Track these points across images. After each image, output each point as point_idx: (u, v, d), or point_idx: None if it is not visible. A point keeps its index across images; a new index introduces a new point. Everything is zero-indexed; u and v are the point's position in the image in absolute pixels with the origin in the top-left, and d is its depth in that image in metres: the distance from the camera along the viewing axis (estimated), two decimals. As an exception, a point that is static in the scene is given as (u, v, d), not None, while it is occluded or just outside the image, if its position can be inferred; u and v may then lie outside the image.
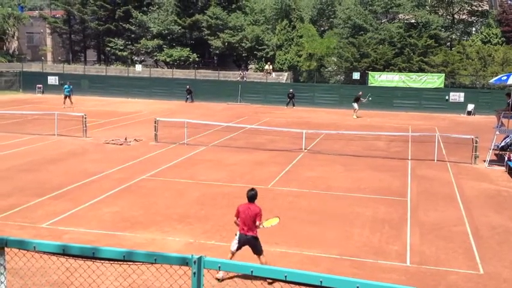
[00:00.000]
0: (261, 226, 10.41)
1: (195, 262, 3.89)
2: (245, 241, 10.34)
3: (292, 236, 12.97)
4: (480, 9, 51.36)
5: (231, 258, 10.03)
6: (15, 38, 65.26)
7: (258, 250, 10.38)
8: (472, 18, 52.58)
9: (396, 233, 13.35)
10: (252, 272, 3.79)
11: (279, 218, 10.88)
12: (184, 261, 3.96)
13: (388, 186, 18.05)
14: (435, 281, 10.60)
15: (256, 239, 10.35)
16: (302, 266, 10.71)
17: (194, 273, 3.92)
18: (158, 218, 14.06)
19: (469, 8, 51.49)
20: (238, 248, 10.41)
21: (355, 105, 38.61)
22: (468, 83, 45.89)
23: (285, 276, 3.67)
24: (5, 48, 63.76)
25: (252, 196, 10.51)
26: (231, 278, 9.86)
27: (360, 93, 39.31)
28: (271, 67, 51.03)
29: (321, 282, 3.55)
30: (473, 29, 53.07)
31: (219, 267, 3.92)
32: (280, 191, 17.11)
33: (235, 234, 10.46)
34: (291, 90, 44.69)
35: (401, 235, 13.21)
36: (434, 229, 13.72)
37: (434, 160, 22.46)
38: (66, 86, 40.49)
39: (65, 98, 39.61)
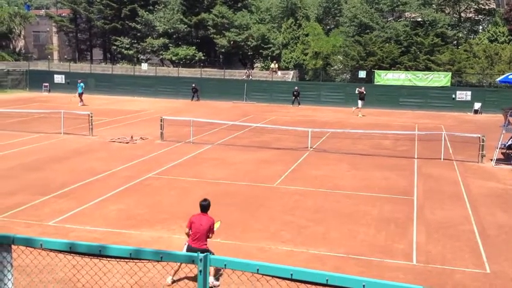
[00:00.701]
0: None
1: (201, 260, 3.89)
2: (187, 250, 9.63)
3: (298, 234, 12.97)
4: (487, 7, 51.15)
5: (177, 270, 9.16)
6: (22, 36, 65.48)
7: None
8: (479, 16, 52.36)
9: (402, 232, 13.32)
10: (257, 270, 3.78)
11: (220, 221, 10.58)
12: (190, 259, 3.96)
13: (394, 185, 18.01)
14: (441, 280, 10.57)
15: (208, 251, 9.30)
16: (308, 265, 10.71)
17: (200, 271, 3.92)
18: (164, 216, 14.08)
19: (475, 7, 51.28)
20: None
21: (360, 102, 38.36)
22: (475, 82, 45.68)
23: (291, 275, 3.66)
24: (11, 46, 63.98)
25: (204, 206, 10.12)
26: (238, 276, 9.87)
27: (363, 88, 39.02)
28: (277, 66, 50.96)
29: (327, 280, 3.54)
30: (480, 27, 52.84)
31: (225, 265, 3.92)
32: (286, 190, 17.10)
33: (184, 244, 9.96)
34: (296, 88, 44.65)
35: (407, 234, 13.19)
36: (440, 228, 13.68)
37: (440, 159, 22.39)
38: (78, 84, 41.00)
39: (80, 96, 40.27)
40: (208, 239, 9.85)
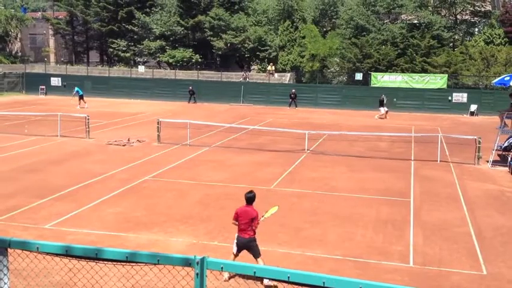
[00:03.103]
0: (262, 218, 10.49)
1: (198, 263, 3.89)
2: (243, 244, 10.35)
3: (295, 236, 12.97)
4: (483, 9, 51.24)
5: (233, 260, 10.07)
6: (18, 39, 65.39)
7: (255, 253, 10.35)
8: (475, 18, 52.47)
9: (399, 234, 13.33)
10: (254, 272, 3.78)
11: (278, 206, 11.06)
12: (187, 262, 3.95)
13: (391, 187, 18.03)
14: (438, 282, 10.59)
15: (254, 240, 10.36)
16: (305, 267, 10.70)
17: (197, 274, 3.91)
18: (161, 219, 14.07)
19: (471, 9, 51.37)
20: (238, 251, 10.41)
21: (382, 109, 38.62)
22: (471, 84, 45.79)
23: (288, 277, 3.66)
24: (8, 49, 63.89)
25: (250, 198, 10.53)
26: (234, 277, 9.87)
27: (383, 96, 39.21)
28: (273, 68, 50.99)
29: (324, 283, 3.54)
30: (476, 29, 52.93)
31: (222, 268, 3.92)
32: (283, 192, 17.11)
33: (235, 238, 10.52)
34: (293, 90, 44.70)
35: (404, 236, 13.20)
36: (437, 230, 13.70)
37: (437, 161, 22.43)
38: (78, 89, 41.24)
39: (80, 99, 40.41)
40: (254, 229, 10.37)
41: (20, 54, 64.91)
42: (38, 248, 4.28)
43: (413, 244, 12.60)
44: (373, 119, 37.45)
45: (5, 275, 4.49)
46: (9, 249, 4.44)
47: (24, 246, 4.39)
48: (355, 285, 3.46)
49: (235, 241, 10.44)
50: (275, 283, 9.72)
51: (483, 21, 51.97)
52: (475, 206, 15.98)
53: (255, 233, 10.38)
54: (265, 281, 9.25)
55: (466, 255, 11.99)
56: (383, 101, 38.89)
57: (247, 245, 10.32)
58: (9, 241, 4.35)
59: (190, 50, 55.28)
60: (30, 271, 8.94)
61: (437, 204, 16.15)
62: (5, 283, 4.53)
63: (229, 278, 10.00)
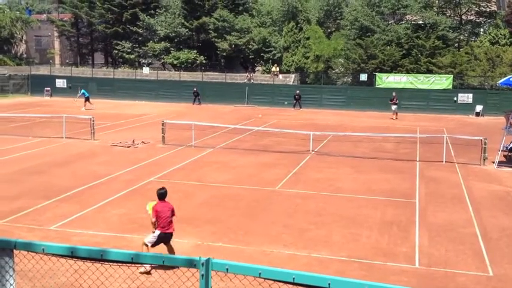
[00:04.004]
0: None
1: (202, 264, 3.88)
2: (164, 238, 10.86)
3: (300, 238, 12.95)
4: (488, 10, 51.09)
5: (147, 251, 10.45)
6: (24, 41, 65.65)
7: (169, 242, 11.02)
8: (480, 19, 52.31)
9: (405, 235, 13.29)
10: (260, 274, 3.77)
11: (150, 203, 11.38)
12: (192, 263, 3.95)
13: (396, 188, 17.99)
14: (444, 283, 10.55)
15: (172, 235, 11.03)
16: (310, 268, 10.69)
17: (202, 275, 3.90)
18: (166, 220, 14.05)
19: (476, 9, 51.23)
20: (156, 245, 10.81)
21: (394, 107, 38.59)
22: (476, 84, 45.66)
23: (293, 279, 3.65)
24: (13, 51, 64.14)
25: (162, 194, 11.05)
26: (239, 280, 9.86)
27: (394, 94, 39.17)
28: (278, 69, 50.99)
29: (329, 284, 3.52)
30: (481, 29, 52.77)
31: (227, 269, 3.91)
32: (288, 193, 17.09)
33: (152, 232, 10.93)
34: (297, 91, 44.69)
35: (409, 237, 13.16)
36: (443, 231, 13.65)
37: (442, 161, 22.37)
38: (84, 90, 41.45)
39: (85, 100, 40.50)
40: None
41: (25, 56, 65.16)
42: (43, 249, 4.28)
43: (418, 245, 12.56)
44: (378, 120, 37.32)
45: (10, 276, 4.50)
46: (15, 251, 4.44)
47: (29, 247, 4.39)
48: (360, 286, 3.45)
49: (156, 236, 10.81)
50: (148, 268, 10.07)
51: (488, 21, 51.82)
52: (481, 207, 15.92)
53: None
54: (141, 269, 9.78)
55: (472, 257, 11.95)
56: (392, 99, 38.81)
57: (170, 238, 10.92)
58: (15, 242, 4.36)
59: (195, 51, 55.34)
60: (36, 272, 8.95)
61: (442, 205, 16.10)
62: (11, 284, 4.53)
63: (149, 270, 10.19)
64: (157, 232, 10.83)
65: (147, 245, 10.72)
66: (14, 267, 4.53)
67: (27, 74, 53.63)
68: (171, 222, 10.93)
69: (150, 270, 10.22)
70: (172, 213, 11.01)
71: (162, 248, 11.74)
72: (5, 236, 5.69)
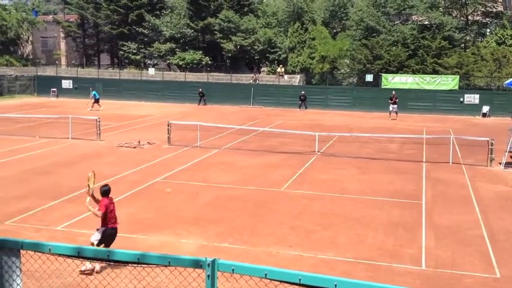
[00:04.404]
0: (88, 189, 11.11)
1: (208, 265, 3.88)
2: (111, 234, 10.94)
3: (306, 239, 12.94)
4: (494, 10, 50.90)
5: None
6: (30, 42, 65.92)
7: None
8: (486, 19, 52.12)
9: (411, 237, 13.25)
10: (266, 275, 3.76)
11: (92, 172, 11.42)
12: (198, 264, 3.95)
13: (402, 189, 17.94)
14: (450, 285, 10.51)
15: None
16: (316, 270, 10.67)
17: (208, 275, 3.90)
18: (171, 221, 14.09)
19: (483, 9, 51.04)
20: (102, 243, 10.80)
21: (393, 107, 38.42)
22: (483, 85, 45.49)
23: (299, 280, 3.64)
24: (19, 52, 64.40)
25: (106, 191, 11.12)
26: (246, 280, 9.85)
27: (393, 93, 39.12)
28: (283, 70, 51.00)
29: (336, 285, 3.51)
30: (488, 30, 52.57)
31: (233, 270, 3.90)
32: (294, 194, 17.07)
33: (97, 230, 11.02)
34: (302, 92, 44.66)
35: (416, 238, 13.12)
36: (449, 232, 13.60)
37: (449, 162, 22.29)
38: (95, 92, 41.47)
39: (94, 102, 40.48)
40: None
41: (31, 57, 65.42)
42: (50, 249, 4.29)
43: (425, 247, 12.52)
44: (384, 121, 37.22)
45: (17, 276, 4.51)
46: (21, 251, 4.45)
47: (36, 247, 4.40)
48: (368, 288, 3.44)
49: (102, 233, 10.86)
50: (93, 267, 10.10)
51: (495, 21, 51.62)
52: (488, 209, 15.85)
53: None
54: (83, 267, 10.00)
55: (478, 258, 11.90)
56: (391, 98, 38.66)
57: (115, 233, 10.99)
58: (22, 243, 4.37)
59: (200, 52, 55.42)
60: (43, 272, 8.96)
61: (449, 206, 16.04)
62: (18, 284, 4.55)
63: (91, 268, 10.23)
64: (103, 229, 10.93)
65: (93, 244, 10.75)
66: (21, 267, 4.54)
67: (34, 75, 53.82)
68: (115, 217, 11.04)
69: (93, 269, 10.22)
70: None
71: (167, 249, 11.76)
72: (12, 236, 5.71)
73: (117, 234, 12.66)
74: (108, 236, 10.86)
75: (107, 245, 10.70)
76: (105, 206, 10.83)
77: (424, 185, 18.74)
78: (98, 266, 10.26)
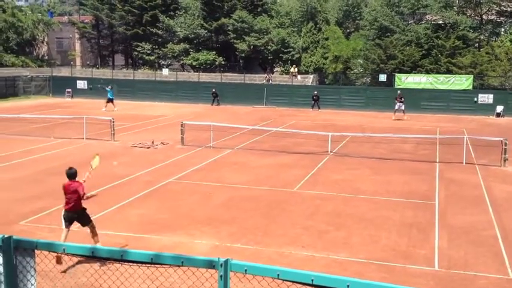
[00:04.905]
0: (90, 169, 11.70)
1: (221, 265, 3.91)
2: (72, 217, 11.27)
3: (319, 239, 12.94)
4: (509, 9, 50.47)
5: (66, 235, 11.09)
6: (45, 43, 66.48)
7: (85, 221, 11.39)
8: (501, 18, 51.68)
9: (424, 237, 13.20)
10: (278, 275, 3.79)
11: (97, 154, 11.93)
12: (211, 264, 3.98)
13: (415, 190, 17.86)
14: (464, 286, 10.46)
15: (83, 210, 11.40)
16: (329, 270, 10.67)
17: (221, 276, 3.94)
18: (185, 221, 14.15)
19: (497, 9, 50.62)
20: (69, 225, 11.24)
21: (398, 105, 38.08)
22: (497, 85, 45.12)
23: (312, 280, 3.66)
24: (35, 53, 64.97)
25: (71, 174, 11.33)
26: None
27: (398, 92, 38.95)
28: (296, 70, 50.96)
29: (348, 286, 3.53)
30: (502, 29, 52.13)
31: (246, 270, 3.94)
32: (307, 194, 17.07)
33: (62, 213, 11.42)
34: (315, 92, 44.57)
35: (429, 239, 13.06)
36: (462, 233, 13.53)
37: (462, 163, 22.15)
38: (108, 89, 41.31)
39: (108, 101, 40.43)
40: (82, 200, 11.40)
41: (46, 57, 65.97)
42: (64, 249, 4.35)
43: (438, 247, 12.46)
44: (397, 121, 37.05)
45: (32, 276, 4.58)
46: (36, 251, 4.52)
47: (50, 247, 4.46)
48: (379, 289, 3.45)
49: (63, 216, 11.36)
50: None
51: (509, 21, 51.16)
52: (502, 209, 15.74)
53: (80, 204, 11.31)
54: None
55: (492, 259, 11.82)
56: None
57: (73, 216, 11.22)
58: (36, 243, 4.43)
59: (214, 52, 55.55)
60: (57, 272, 9.06)
61: (462, 207, 15.95)
62: (32, 284, 4.61)
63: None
64: (63, 211, 11.39)
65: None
66: (35, 267, 4.60)
67: (49, 75, 54.25)
68: (74, 201, 11.18)
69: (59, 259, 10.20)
70: (77, 193, 11.19)
71: (180, 249, 11.82)
72: (26, 236, 5.79)
73: (135, 235, 12.87)
74: (68, 218, 11.36)
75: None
76: (63, 188, 11.41)
77: (438, 185, 18.65)
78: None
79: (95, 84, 50.27)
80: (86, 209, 11.53)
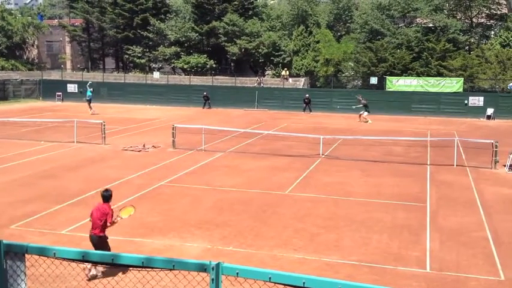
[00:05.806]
0: (118, 218, 10.72)
1: (213, 268, 3.90)
2: (92, 241, 10.59)
3: (310, 242, 12.94)
4: (499, 12, 50.87)
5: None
6: (35, 46, 66.20)
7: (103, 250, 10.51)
8: (491, 21, 52.07)
9: (416, 239, 13.24)
10: (270, 278, 3.78)
11: (134, 207, 11.08)
12: (202, 268, 3.97)
13: (407, 192, 17.92)
14: (455, 287, 10.49)
15: (101, 237, 10.57)
16: (321, 273, 10.66)
17: (212, 279, 3.92)
18: (176, 224, 14.11)
19: (487, 12, 51.01)
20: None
21: (366, 113, 37.92)
22: (487, 87, 45.43)
23: (303, 283, 3.65)
24: (25, 56, 64.66)
25: (108, 197, 10.80)
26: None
27: (359, 96, 38.95)
28: (288, 73, 51.04)
29: (340, 289, 3.53)
30: (492, 32, 52.54)
31: (237, 273, 3.92)
32: (298, 197, 17.08)
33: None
34: (307, 95, 44.59)
35: (420, 241, 13.10)
36: (454, 235, 13.58)
37: (453, 165, 22.25)
38: (87, 88, 40.92)
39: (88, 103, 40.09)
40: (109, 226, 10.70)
41: (36, 61, 65.69)
42: (54, 253, 4.32)
43: (429, 249, 12.50)
44: (388, 123, 37.18)
45: (22, 280, 4.54)
46: (26, 255, 4.48)
47: (41, 252, 4.43)
48: (370, 291, 3.45)
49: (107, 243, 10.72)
50: (95, 273, 10.02)
51: (499, 24, 51.57)
52: (492, 211, 15.82)
53: (104, 231, 10.61)
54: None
55: (483, 261, 11.88)
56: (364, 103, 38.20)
57: (95, 241, 10.55)
58: (27, 247, 4.40)
59: (205, 55, 55.55)
60: (48, 277, 8.99)
61: (453, 209, 16.01)
62: (23, 288, 4.57)
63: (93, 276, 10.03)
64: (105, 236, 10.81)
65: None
66: (25, 271, 4.57)
67: (39, 79, 54.01)
68: (99, 225, 10.55)
69: (95, 274, 10.01)
70: (103, 217, 10.58)
71: (171, 252, 11.79)
72: (17, 240, 5.75)
73: (126, 238, 12.78)
74: (91, 241, 10.72)
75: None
76: (91, 212, 10.84)
77: (429, 187, 18.72)
78: (94, 270, 10.06)
79: (85, 87, 50.05)
80: (107, 237, 10.87)
